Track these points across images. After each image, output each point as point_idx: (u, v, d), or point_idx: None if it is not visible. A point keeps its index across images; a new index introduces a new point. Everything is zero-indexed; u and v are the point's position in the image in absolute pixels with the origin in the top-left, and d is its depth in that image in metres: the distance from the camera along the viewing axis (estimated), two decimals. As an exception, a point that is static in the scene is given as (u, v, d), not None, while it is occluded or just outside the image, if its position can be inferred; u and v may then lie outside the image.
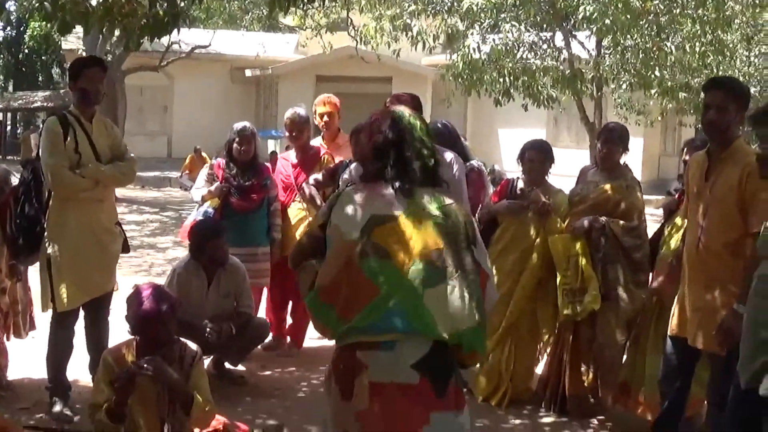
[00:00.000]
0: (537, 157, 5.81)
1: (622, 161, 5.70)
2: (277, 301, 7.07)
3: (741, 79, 15.63)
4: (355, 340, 3.07)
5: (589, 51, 16.58)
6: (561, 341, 5.71)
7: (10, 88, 41.51)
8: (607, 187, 5.55)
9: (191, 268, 5.96)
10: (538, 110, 16.94)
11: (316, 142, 7.17)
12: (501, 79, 15.35)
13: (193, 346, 4.35)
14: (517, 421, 5.56)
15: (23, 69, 42.14)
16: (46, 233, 5.27)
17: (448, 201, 3.26)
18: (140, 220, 15.33)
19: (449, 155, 5.34)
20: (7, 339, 5.97)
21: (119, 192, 19.52)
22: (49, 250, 5.23)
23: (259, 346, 6.71)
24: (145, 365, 4.01)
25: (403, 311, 3.02)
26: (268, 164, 7.01)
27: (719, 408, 4.08)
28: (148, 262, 10.88)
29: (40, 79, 42.14)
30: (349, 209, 3.18)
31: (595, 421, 5.57)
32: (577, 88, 15.65)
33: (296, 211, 6.83)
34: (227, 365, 6.28)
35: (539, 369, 6.05)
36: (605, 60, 16.08)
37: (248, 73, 28.28)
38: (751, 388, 3.49)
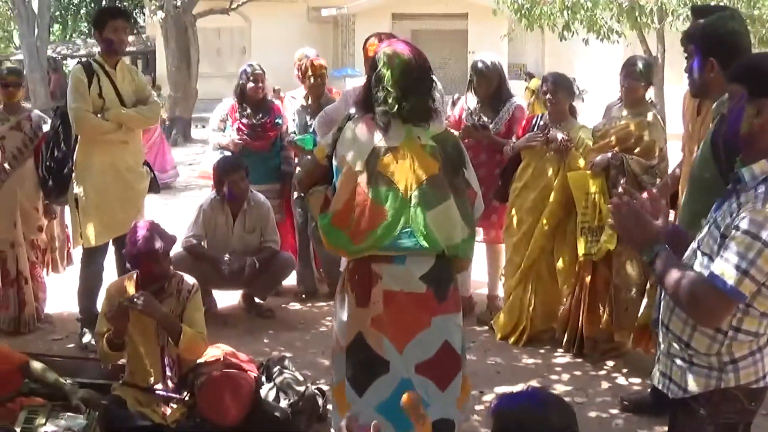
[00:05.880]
0: (551, 89, 5.67)
1: (647, 97, 5.53)
2: (295, 239, 6.99)
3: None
4: (370, 253, 3.47)
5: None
6: (580, 281, 5.60)
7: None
8: (629, 122, 5.40)
9: (216, 205, 6.10)
10: (611, 46, 16.45)
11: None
12: (559, 13, 14.94)
13: (190, 280, 4.45)
14: (530, 361, 5.50)
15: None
16: (73, 174, 5.51)
17: (438, 130, 3.66)
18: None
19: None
20: (46, 274, 6.26)
21: (197, 135, 19.96)
22: (76, 190, 5.49)
23: (294, 283, 6.79)
24: (135, 299, 4.14)
25: (410, 232, 3.45)
26: (278, 102, 6.94)
27: None
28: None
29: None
30: (353, 142, 3.54)
31: (611, 363, 5.45)
32: (636, 19, 15.11)
33: None
34: (257, 300, 6.41)
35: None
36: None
37: (325, 12, 28.15)
38: None
